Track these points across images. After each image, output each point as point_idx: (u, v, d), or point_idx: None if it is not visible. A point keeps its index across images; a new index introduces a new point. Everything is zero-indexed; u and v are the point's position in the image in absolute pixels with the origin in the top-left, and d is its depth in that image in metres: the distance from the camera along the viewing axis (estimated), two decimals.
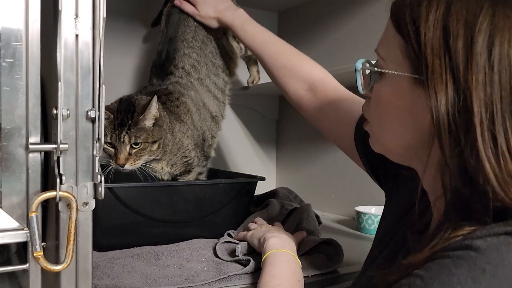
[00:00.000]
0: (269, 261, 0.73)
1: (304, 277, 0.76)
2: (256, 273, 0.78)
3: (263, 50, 0.96)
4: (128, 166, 0.92)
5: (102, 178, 0.55)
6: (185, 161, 1.03)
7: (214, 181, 1.07)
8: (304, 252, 0.86)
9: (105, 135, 0.90)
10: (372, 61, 0.59)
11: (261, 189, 1.34)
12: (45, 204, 0.59)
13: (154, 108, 0.93)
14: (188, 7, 1.09)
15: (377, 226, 1.14)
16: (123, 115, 0.91)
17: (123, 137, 0.90)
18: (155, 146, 0.95)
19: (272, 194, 1.26)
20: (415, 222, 0.62)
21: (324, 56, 1.52)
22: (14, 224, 0.53)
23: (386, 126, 0.56)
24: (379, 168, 0.76)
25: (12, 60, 0.52)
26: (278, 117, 1.78)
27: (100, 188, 0.56)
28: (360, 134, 0.76)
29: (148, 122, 0.93)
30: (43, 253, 0.54)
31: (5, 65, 0.52)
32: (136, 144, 0.91)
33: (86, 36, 0.56)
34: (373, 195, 1.30)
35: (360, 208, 1.22)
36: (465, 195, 0.47)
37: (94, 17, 0.56)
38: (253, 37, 0.98)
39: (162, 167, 1.03)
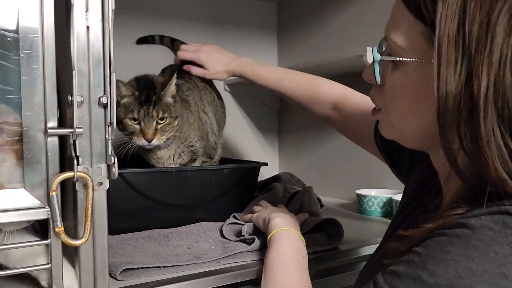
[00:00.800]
0: (275, 239, 0.77)
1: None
2: (261, 251, 0.82)
3: (279, 87, 1.03)
4: (155, 141, 0.94)
5: (115, 160, 0.60)
6: (191, 150, 1.07)
7: (219, 166, 1.11)
8: (307, 231, 0.90)
9: (131, 111, 0.93)
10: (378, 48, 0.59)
11: (265, 175, 1.38)
12: (61, 188, 0.63)
13: (173, 85, 0.97)
14: (197, 70, 1.10)
15: (377, 208, 1.19)
16: (146, 91, 0.94)
17: (152, 112, 0.93)
18: (176, 122, 0.98)
19: (275, 179, 1.30)
20: (428, 202, 0.65)
21: (323, 44, 1.55)
22: (36, 202, 0.57)
23: (407, 115, 0.56)
24: (395, 157, 0.81)
25: (30, 51, 0.56)
26: (279, 106, 1.82)
27: (113, 169, 0.60)
28: (378, 139, 0.83)
29: (170, 98, 0.97)
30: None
31: (23, 56, 0.56)
32: (162, 119, 0.95)
33: (96, 28, 0.60)
34: (373, 178, 1.34)
35: (360, 191, 1.26)
36: (467, 178, 0.50)
37: (103, 10, 0.60)
38: (266, 78, 1.05)
39: (170, 156, 1.06)
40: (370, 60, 1.06)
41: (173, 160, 1.06)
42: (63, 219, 0.59)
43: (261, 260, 0.79)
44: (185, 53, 1.10)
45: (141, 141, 0.94)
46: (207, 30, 1.63)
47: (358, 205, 1.25)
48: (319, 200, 1.22)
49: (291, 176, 1.30)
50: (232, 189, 1.07)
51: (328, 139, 1.54)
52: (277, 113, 1.84)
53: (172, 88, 0.98)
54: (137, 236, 0.89)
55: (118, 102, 0.95)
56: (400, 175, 0.83)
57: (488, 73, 0.45)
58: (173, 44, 1.35)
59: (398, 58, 0.54)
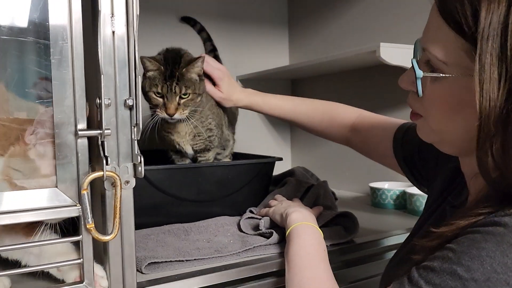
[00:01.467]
0: (294, 234, 0.79)
1: None
2: (279, 244, 0.85)
3: (295, 115, 1.03)
4: (177, 115, 0.97)
5: (142, 159, 0.62)
6: (209, 136, 1.08)
7: (235, 162, 1.14)
8: (323, 224, 0.92)
9: (155, 85, 0.95)
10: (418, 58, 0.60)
11: (278, 170, 1.40)
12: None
13: (200, 63, 0.98)
14: (210, 87, 1.07)
15: (390, 200, 1.21)
16: (172, 67, 0.96)
17: (174, 88, 0.95)
18: (199, 98, 1.00)
19: (289, 173, 1.32)
20: (454, 199, 0.68)
21: (335, 39, 1.56)
22: (69, 201, 0.60)
23: (447, 123, 0.57)
24: (417, 168, 0.83)
25: (60, 57, 0.59)
26: None
27: (140, 168, 0.63)
28: (397, 146, 0.85)
29: (194, 75, 0.98)
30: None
31: (54, 61, 0.59)
32: (185, 94, 0.97)
33: (121, 32, 0.62)
34: (386, 172, 1.34)
35: (374, 184, 1.28)
36: (496, 184, 0.52)
37: (128, 15, 0.63)
38: (280, 107, 1.04)
39: (186, 133, 1.06)
40: (384, 57, 1.07)
41: (188, 139, 1.06)
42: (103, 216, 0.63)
43: (280, 253, 0.82)
44: (206, 65, 1.05)
45: (164, 115, 0.97)
46: (218, 26, 1.65)
47: (372, 198, 1.27)
48: (333, 194, 1.25)
49: (305, 170, 1.32)
50: (247, 184, 1.09)
51: None
52: None
53: (198, 65, 0.98)
54: (157, 231, 0.92)
55: (144, 75, 0.97)
56: (421, 184, 0.86)
57: None
58: (205, 43, 1.44)
59: (441, 75, 0.55)
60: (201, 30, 1.49)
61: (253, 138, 1.75)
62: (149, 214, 0.99)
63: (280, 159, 1.15)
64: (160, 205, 0.99)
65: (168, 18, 1.55)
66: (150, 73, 0.96)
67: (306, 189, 1.12)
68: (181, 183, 1.01)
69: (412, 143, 0.82)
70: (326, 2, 1.59)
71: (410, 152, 0.83)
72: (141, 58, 0.94)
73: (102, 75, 0.60)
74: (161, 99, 0.96)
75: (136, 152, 0.63)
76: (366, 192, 1.41)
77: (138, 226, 0.94)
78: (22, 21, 0.58)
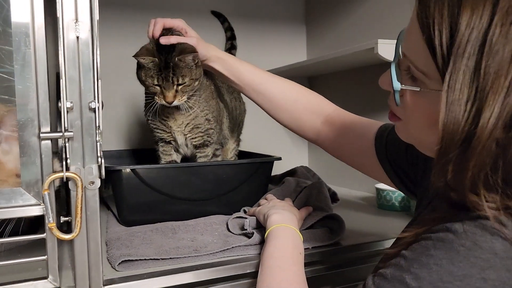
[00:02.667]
0: (272, 235, 0.79)
1: (305, 248, 0.81)
2: (259, 245, 0.84)
3: (266, 84, 0.92)
4: (176, 102, 0.98)
5: (102, 161, 0.64)
6: (207, 128, 1.08)
7: (232, 161, 1.14)
8: (309, 226, 0.91)
9: (151, 76, 0.96)
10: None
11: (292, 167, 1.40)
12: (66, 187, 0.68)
13: (195, 55, 0.96)
14: (178, 38, 0.97)
15: (395, 202, 1.18)
16: (165, 56, 0.95)
17: (171, 78, 0.95)
18: (197, 83, 1.00)
19: (291, 172, 1.31)
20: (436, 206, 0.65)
21: (352, 35, 1.52)
22: (33, 200, 0.63)
23: (425, 130, 0.55)
24: (405, 168, 0.78)
25: (23, 62, 0.61)
26: None
27: (101, 170, 0.65)
28: (380, 145, 0.80)
29: (190, 62, 0.97)
30: (66, 227, 0.64)
31: (17, 67, 0.61)
32: (182, 82, 0.97)
33: (85, 37, 0.64)
34: None
35: (379, 185, 1.24)
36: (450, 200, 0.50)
37: (92, 20, 0.65)
38: (252, 72, 0.94)
39: (183, 122, 1.06)
40: (382, 54, 1.04)
41: (185, 130, 1.07)
42: (70, 215, 0.65)
43: (258, 254, 0.82)
44: (158, 23, 0.97)
45: (162, 102, 0.98)
46: (235, 24, 1.65)
47: (377, 199, 1.24)
48: (334, 194, 1.22)
49: (307, 170, 1.30)
50: (244, 183, 1.10)
51: None
52: None
53: (192, 56, 0.95)
54: (146, 229, 0.94)
55: (138, 65, 0.99)
56: (405, 187, 0.81)
57: (501, 109, 0.44)
58: (227, 41, 1.51)
59: (419, 89, 0.52)
60: (228, 29, 1.55)
61: (271, 139, 1.74)
62: (141, 212, 1.01)
63: (279, 158, 1.15)
64: (153, 203, 1.02)
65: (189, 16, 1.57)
66: (145, 64, 0.97)
67: (302, 189, 1.10)
68: (174, 182, 1.03)
69: (398, 144, 0.78)
70: None
71: (395, 153, 0.79)
72: (135, 57, 0.96)
73: (61, 80, 0.62)
74: (158, 88, 0.98)
75: (99, 154, 0.65)
76: (374, 192, 1.37)
77: (131, 223, 0.99)
78: None
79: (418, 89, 0.52)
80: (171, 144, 1.11)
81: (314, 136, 0.92)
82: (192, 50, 0.96)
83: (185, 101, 1.00)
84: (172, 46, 0.96)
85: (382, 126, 0.83)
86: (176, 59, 0.95)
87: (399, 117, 0.60)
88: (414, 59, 0.52)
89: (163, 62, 0.96)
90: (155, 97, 0.99)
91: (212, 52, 0.99)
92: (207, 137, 1.10)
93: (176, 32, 0.99)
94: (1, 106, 0.63)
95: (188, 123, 1.06)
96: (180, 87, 0.98)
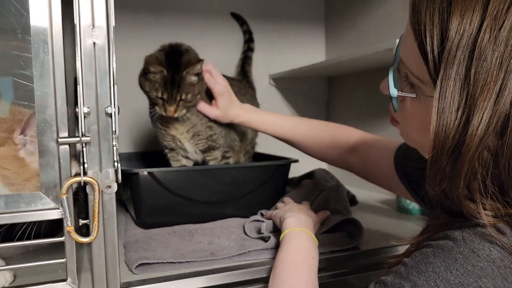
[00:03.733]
0: (286, 239, 0.78)
1: (321, 253, 0.80)
2: (276, 250, 0.84)
3: (293, 134, 1.00)
4: (175, 115, 0.99)
5: (119, 165, 0.65)
6: (210, 135, 1.08)
7: (249, 164, 1.14)
8: (327, 230, 0.90)
9: (156, 89, 0.97)
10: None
11: (310, 169, 1.39)
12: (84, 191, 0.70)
13: (199, 68, 0.98)
14: (204, 107, 1.04)
15: (415, 205, 1.15)
16: (173, 70, 0.96)
17: (175, 95, 0.96)
18: (198, 96, 1.01)
19: (309, 175, 1.30)
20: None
21: (372, 34, 1.50)
22: (51, 204, 0.64)
23: (425, 136, 0.54)
24: (419, 181, 0.79)
25: (41, 69, 0.62)
26: (327, 98, 1.80)
27: (118, 174, 0.65)
28: (398, 162, 0.83)
29: (194, 78, 0.98)
30: (85, 229, 0.65)
31: (36, 73, 0.62)
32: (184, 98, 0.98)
33: (102, 43, 0.65)
34: None
35: None
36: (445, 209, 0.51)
37: (108, 26, 0.65)
38: (279, 125, 1.00)
39: (184, 131, 1.07)
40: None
41: (187, 136, 1.08)
42: (88, 218, 0.67)
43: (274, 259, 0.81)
44: (208, 75, 1.02)
45: (162, 113, 0.99)
46: (254, 24, 1.65)
47: (397, 202, 1.22)
48: (353, 197, 1.21)
49: (326, 172, 1.29)
50: (261, 186, 1.09)
51: (377, 132, 1.49)
52: (325, 105, 1.82)
53: (197, 68, 0.97)
54: (163, 231, 0.95)
55: (145, 74, 0.98)
56: (423, 201, 0.81)
57: (490, 116, 0.44)
58: (244, 43, 1.54)
59: (415, 95, 0.52)
60: (246, 32, 1.58)
61: None
62: (160, 214, 1.02)
63: (296, 161, 1.14)
64: (170, 206, 1.02)
65: (206, 16, 1.58)
66: (151, 75, 0.97)
67: (321, 192, 1.09)
68: (191, 185, 1.03)
69: (413, 159, 0.79)
70: None
71: (411, 168, 0.80)
72: (146, 61, 0.96)
73: (79, 85, 0.63)
74: (160, 100, 0.98)
75: (115, 159, 0.66)
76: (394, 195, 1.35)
77: (149, 226, 1.00)
78: (5, 36, 0.62)
79: (414, 95, 0.52)
80: (176, 150, 1.11)
81: (344, 166, 0.97)
82: (197, 60, 0.97)
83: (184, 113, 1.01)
84: (180, 61, 0.98)
85: (402, 144, 0.84)
86: (184, 72, 0.96)
87: (398, 122, 0.61)
88: (409, 65, 0.52)
89: (170, 76, 0.97)
90: (156, 106, 1.00)
91: (233, 111, 1.03)
92: (212, 142, 1.10)
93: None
94: (26, 110, 0.64)
95: (188, 131, 1.07)
96: (181, 102, 0.98)
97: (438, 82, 0.45)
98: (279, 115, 1.04)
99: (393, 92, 0.54)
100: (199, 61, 0.97)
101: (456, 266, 0.45)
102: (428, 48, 0.47)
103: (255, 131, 1.25)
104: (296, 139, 1.00)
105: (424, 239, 0.52)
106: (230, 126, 1.13)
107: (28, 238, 0.68)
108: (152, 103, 1.01)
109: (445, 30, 0.45)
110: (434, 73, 0.47)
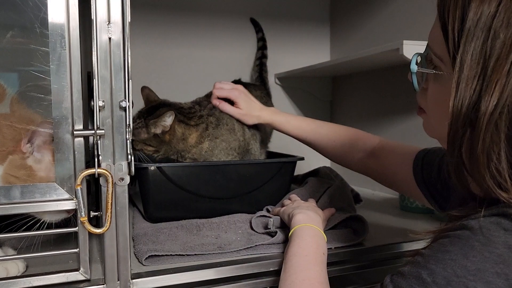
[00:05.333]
0: (296, 234, 0.80)
1: (328, 248, 0.82)
2: (282, 244, 0.85)
3: (314, 137, 1.03)
4: None
5: (132, 158, 0.66)
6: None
7: (253, 160, 1.16)
8: (332, 226, 0.91)
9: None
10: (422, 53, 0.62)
11: (314, 167, 1.40)
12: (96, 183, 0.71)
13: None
14: (227, 107, 1.11)
15: (418, 204, 1.17)
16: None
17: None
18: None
19: (313, 173, 1.31)
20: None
21: (376, 35, 1.51)
22: (66, 195, 0.66)
23: (444, 120, 0.57)
24: (437, 187, 0.82)
25: (58, 63, 0.64)
26: (331, 98, 1.81)
27: (131, 167, 0.67)
28: (417, 168, 0.85)
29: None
30: (95, 222, 0.67)
31: (53, 67, 0.64)
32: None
33: (117, 38, 0.66)
34: None
35: None
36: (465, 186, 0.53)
37: (124, 22, 0.67)
38: (300, 127, 1.05)
39: None
40: (407, 55, 1.03)
41: None
42: (99, 211, 0.68)
43: (282, 253, 0.83)
44: (220, 91, 1.11)
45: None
46: (260, 23, 1.66)
47: (400, 201, 1.23)
48: (357, 195, 1.22)
49: (330, 170, 1.30)
50: (267, 183, 1.11)
51: (380, 132, 1.51)
52: (329, 105, 1.83)
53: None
54: (172, 225, 0.96)
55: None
56: (441, 207, 0.84)
57: (501, 92, 0.48)
58: (258, 50, 1.59)
59: (434, 71, 0.57)
60: (261, 39, 1.63)
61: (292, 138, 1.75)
62: (167, 209, 1.03)
63: (302, 158, 1.15)
64: (178, 201, 1.03)
65: (207, 18, 1.60)
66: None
67: (326, 189, 1.10)
68: (199, 180, 1.05)
69: (431, 164, 0.83)
70: None
71: (429, 173, 0.83)
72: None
73: (95, 79, 0.64)
74: None
75: (128, 152, 0.67)
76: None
77: (157, 220, 1.01)
78: (24, 31, 0.64)
79: (431, 71, 0.57)
80: None
81: (363, 170, 1.00)
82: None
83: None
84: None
85: (420, 151, 0.86)
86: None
87: (424, 111, 0.64)
88: (433, 46, 0.57)
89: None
90: None
91: (256, 112, 1.10)
92: None
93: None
94: (37, 116, 0.66)
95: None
96: None
97: (458, 57, 0.50)
98: (302, 118, 1.08)
99: (414, 67, 0.59)
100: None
101: (474, 253, 0.47)
102: (450, 27, 0.52)
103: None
104: (317, 142, 1.04)
105: (441, 230, 0.53)
106: (251, 146, 1.18)
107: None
108: None
109: (466, 12, 0.50)
110: (454, 49, 0.51)
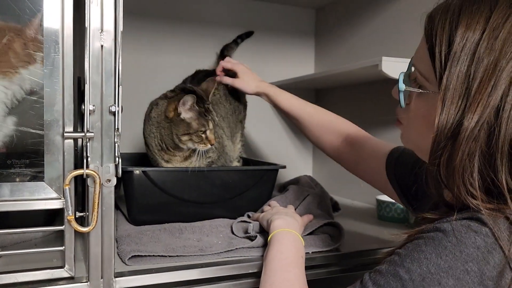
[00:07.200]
0: (276, 239, 0.83)
1: (305, 253, 0.85)
2: (261, 248, 0.89)
3: (301, 111, 1.09)
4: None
5: (119, 161, 0.69)
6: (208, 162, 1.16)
7: (237, 167, 1.19)
8: (310, 232, 0.95)
9: (203, 124, 1.04)
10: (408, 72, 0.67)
11: (295, 176, 1.44)
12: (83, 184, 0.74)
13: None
14: (227, 79, 1.21)
15: (394, 214, 1.21)
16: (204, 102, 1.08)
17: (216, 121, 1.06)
18: None
19: (295, 181, 1.35)
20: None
21: (359, 50, 1.57)
22: (54, 194, 0.68)
23: (424, 135, 0.61)
24: (410, 187, 0.86)
25: (52, 67, 0.67)
26: None
27: (118, 169, 0.70)
28: (390, 164, 0.90)
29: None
30: (81, 221, 0.69)
31: (46, 71, 0.67)
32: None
33: (109, 46, 0.70)
34: None
35: (380, 197, 1.28)
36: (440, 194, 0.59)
37: (116, 31, 0.70)
38: (291, 101, 1.12)
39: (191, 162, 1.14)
40: (386, 71, 1.09)
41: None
42: (85, 211, 0.70)
43: (261, 256, 0.86)
44: (226, 63, 1.22)
45: (207, 147, 1.06)
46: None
47: (377, 210, 1.27)
48: (336, 204, 1.27)
49: (311, 179, 1.34)
50: (249, 189, 1.14)
51: None
52: None
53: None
54: (155, 228, 0.99)
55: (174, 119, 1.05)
56: (411, 205, 0.88)
57: (482, 111, 0.53)
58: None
59: (420, 90, 0.62)
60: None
61: (276, 147, 1.79)
62: (151, 212, 1.06)
63: (283, 167, 1.19)
64: (162, 205, 1.06)
65: (196, 27, 1.64)
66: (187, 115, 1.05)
67: (306, 197, 1.14)
68: (183, 185, 1.07)
69: (405, 164, 0.87)
70: (353, 14, 1.61)
71: (402, 172, 0.87)
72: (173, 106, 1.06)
73: (87, 84, 0.67)
74: (203, 135, 1.05)
75: (116, 154, 0.70)
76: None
77: (141, 222, 1.03)
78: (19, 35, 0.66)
79: (419, 90, 0.61)
80: None
81: (336, 156, 1.05)
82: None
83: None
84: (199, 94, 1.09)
85: (394, 148, 0.91)
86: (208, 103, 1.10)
87: (402, 123, 0.69)
88: (419, 67, 0.62)
89: (204, 109, 1.07)
90: (198, 144, 1.05)
91: (255, 83, 1.18)
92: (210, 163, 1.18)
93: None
94: None
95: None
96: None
97: (444, 78, 0.55)
98: (292, 95, 1.13)
99: (402, 86, 0.64)
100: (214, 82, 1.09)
101: (446, 253, 0.52)
102: (437, 50, 0.57)
103: None
104: (301, 119, 1.09)
105: (415, 232, 0.58)
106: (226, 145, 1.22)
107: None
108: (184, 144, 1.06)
109: (453, 37, 0.55)
110: (440, 70, 0.56)
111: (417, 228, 0.59)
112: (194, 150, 1.08)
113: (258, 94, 1.17)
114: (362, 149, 0.98)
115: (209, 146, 1.05)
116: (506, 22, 0.53)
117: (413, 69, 0.65)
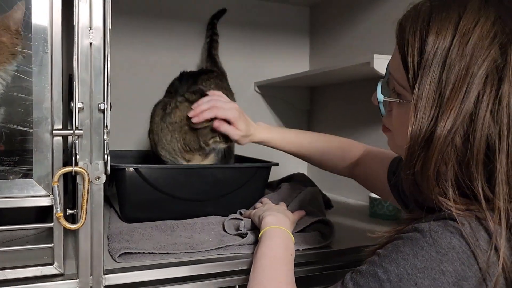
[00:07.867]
0: (266, 236, 0.84)
1: (296, 250, 0.86)
2: (252, 245, 0.89)
3: (310, 151, 1.06)
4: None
5: (108, 158, 0.69)
6: None
7: (229, 165, 1.19)
8: (301, 229, 0.96)
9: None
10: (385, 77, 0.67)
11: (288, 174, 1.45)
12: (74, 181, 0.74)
13: None
14: (227, 128, 1.01)
15: (386, 211, 1.22)
16: None
17: None
18: None
19: (287, 178, 1.36)
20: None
21: (354, 48, 1.57)
22: (43, 192, 0.68)
23: (406, 139, 0.62)
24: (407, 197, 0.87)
25: (40, 65, 0.67)
26: (309, 107, 1.86)
27: (107, 166, 0.70)
28: (390, 174, 0.90)
29: None
30: (72, 218, 0.69)
31: (35, 69, 0.67)
32: None
33: (98, 44, 0.70)
34: None
35: (373, 194, 1.28)
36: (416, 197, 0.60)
37: (105, 28, 0.70)
38: (297, 142, 1.07)
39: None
40: (378, 68, 1.09)
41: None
42: (75, 209, 0.71)
43: (251, 253, 0.86)
44: (220, 111, 1.01)
45: (228, 143, 1.08)
46: (241, 32, 1.71)
47: (370, 207, 1.28)
48: (328, 201, 1.27)
49: (304, 176, 1.35)
50: (242, 187, 1.14)
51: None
52: (307, 114, 1.88)
53: None
54: (146, 226, 0.99)
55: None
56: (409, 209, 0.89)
57: (455, 118, 0.53)
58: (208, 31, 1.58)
59: (398, 100, 0.62)
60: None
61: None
62: (143, 210, 1.06)
63: (276, 164, 1.19)
64: (154, 202, 1.06)
65: (192, 23, 1.64)
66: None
67: (298, 194, 1.15)
68: (175, 182, 1.08)
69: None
70: (347, 12, 1.61)
71: (399, 179, 0.87)
72: None
73: (75, 82, 0.68)
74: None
75: (105, 152, 0.70)
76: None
77: (132, 220, 1.04)
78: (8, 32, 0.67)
79: (397, 100, 0.62)
80: None
81: (350, 176, 1.06)
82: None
83: None
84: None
85: (395, 157, 0.92)
86: None
87: (389, 129, 0.69)
88: (395, 75, 0.62)
89: None
90: (219, 141, 1.07)
91: (250, 131, 1.05)
92: None
93: None
94: None
95: None
96: None
97: (416, 86, 0.55)
98: (295, 132, 1.09)
99: (380, 97, 0.65)
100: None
101: (422, 253, 0.52)
102: (409, 59, 0.57)
103: None
104: (312, 155, 1.07)
105: (395, 232, 0.59)
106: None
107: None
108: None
109: (424, 44, 0.55)
110: (413, 79, 0.56)
111: (396, 228, 0.60)
112: (214, 148, 1.10)
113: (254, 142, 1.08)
114: (369, 167, 0.99)
115: (229, 143, 1.08)
116: (476, 26, 0.53)
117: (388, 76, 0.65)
